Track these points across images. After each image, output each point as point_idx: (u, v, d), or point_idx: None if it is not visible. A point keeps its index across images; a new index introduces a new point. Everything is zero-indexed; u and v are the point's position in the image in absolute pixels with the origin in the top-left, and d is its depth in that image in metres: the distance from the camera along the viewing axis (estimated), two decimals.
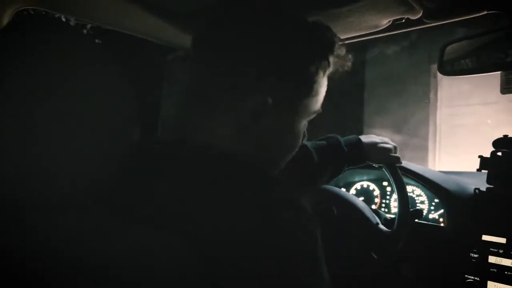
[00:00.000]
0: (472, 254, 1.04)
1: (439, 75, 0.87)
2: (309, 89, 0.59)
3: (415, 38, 4.14)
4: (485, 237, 1.04)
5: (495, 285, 1.00)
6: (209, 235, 0.46)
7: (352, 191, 1.43)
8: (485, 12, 0.79)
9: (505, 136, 1.06)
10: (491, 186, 1.08)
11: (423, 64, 4.35)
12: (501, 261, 1.00)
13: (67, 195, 0.45)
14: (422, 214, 1.07)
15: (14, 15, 0.74)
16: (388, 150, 1.05)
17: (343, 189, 1.37)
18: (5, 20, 0.74)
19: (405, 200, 1.02)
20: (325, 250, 0.50)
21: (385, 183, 1.37)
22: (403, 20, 0.91)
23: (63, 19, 0.85)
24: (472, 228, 1.07)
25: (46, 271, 0.42)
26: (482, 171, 1.08)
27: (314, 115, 0.64)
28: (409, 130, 4.42)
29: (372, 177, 1.40)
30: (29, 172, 0.43)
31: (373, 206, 1.36)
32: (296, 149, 0.65)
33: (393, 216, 1.11)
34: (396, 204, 1.05)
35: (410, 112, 4.45)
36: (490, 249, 1.02)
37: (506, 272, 0.98)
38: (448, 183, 1.19)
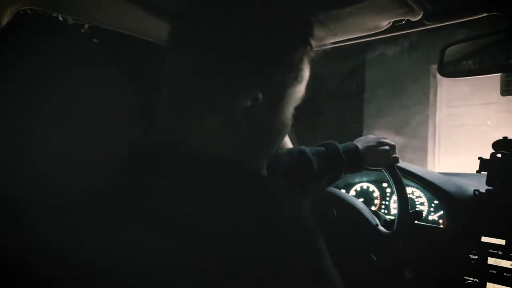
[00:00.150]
0: (471, 256, 1.04)
1: (438, 76, 0.87)
2: (296, 77, 0.59)
3: (415, 39, 4.14)
4: (485, 239, 1.04)
5: (494, 287, 1.00)
6: (210, 237, 0.46)
7: (352, 192, 1.43)
8: (485, 14, 0.79)
9: (505, 137, 1.06)
10: (491, 188, 1.08)
11: (423, 65, 4.35)
12: (500, 263, 1.00)
13: (65, 196, 0.45)
14: (422, 216, 1.07)
15: (13, 16, 0.74)
16: (385, 153, 1.05)
17: (343, 191, 1.37)
18: (4, 21, 0.74)
19: (404, 202, 1.02)
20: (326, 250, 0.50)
21: (385, 185, 1.37)
22: (403, 22, 0.91)
23: (61, 19, 0.85)
24: (471, 229, 1.07)
25: (45, 271, 0.42)
26: (482, 172, 1.08)
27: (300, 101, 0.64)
28: (409, 131, 4.42)
29: (372, 178, 1.40)
30: (26, 172, 0.42)
31: (373, 208, 1.36)
32: (285, 137, 0.65)
33: (392, 217, 1.11)
34: (395, 205, 1.05)
35: (410, 113, 4.45)
36: (489, 250, 1.02)
37: (505, 274, 0.98)
38: (447, 185, 1.19)
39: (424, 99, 4.45)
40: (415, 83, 4.47)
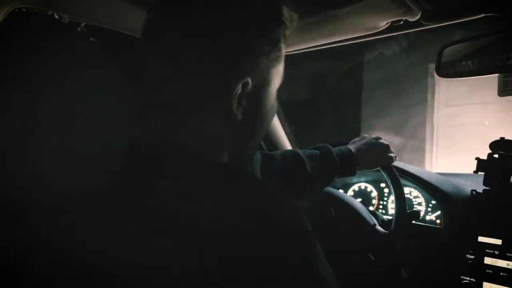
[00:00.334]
0: (468, 255, 1.05)
1: (436, 76, 0.87)
2: (278, 57, 0.59)
3: (413, 40, 4.15)
4: (481, 239, 1.04)
5: (490, 286, 1.00)
6: (208, 237, 0.46)
7: (350, 192, 1.43)
8: (483, 15, 0.79)
9: (502, 138, 1.06)
10: (488, 188, 1.08)
11: (421, 65, 4.36)
12: (497, 262, 1.00)
13: (65, 196, 0.45)
14: (419, 216, 1.07)
15: (8, 14, 0.74)
16: (379, 154, 1.05)
17: (341, 191, 1.37)
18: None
19: (402, 202, 1.02)
20: (323, 250, 0.50)
21: (382, 185, 1.37)
22: (402, 22, 0.91)
23: (57, 17, 0.84)
24: (468, 229, 1.07)
25: (44, 271, 0.42)
26: (479, 173, 1.08)
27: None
28: (407, 131, 4.43)
29: (369, 178, 1.40)
30: (25, 172, 0.42)
31: (371, 208, 1.36)
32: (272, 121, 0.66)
33: (390, 217, 1.11)
34: (393, 205, 1.05)
35: (408, 113, 4.46)
36: (486, 250, 1.02)
37: (501, 273, 0.99)
38: (445, 185, 1.19)
39: (422, 99, 4.46)
40: (414, 83, 4.48)
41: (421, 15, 0.85)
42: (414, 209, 1.24)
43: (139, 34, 0.57)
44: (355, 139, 1.10)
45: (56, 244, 0.43)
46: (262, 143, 1.53)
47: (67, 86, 0.43)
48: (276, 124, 1.51)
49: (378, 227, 1.03)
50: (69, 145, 0.43)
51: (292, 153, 1.01)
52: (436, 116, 4.43)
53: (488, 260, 1.01)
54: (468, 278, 1.04)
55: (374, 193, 1.38)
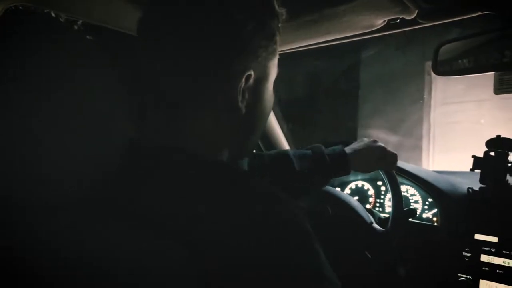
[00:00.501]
0: (464, 253, 1.05)
1: (433, 74, 0.87)
2: (274, 50, 0.60)
3: (410, 38, 4.15)
4: (478, 236, 1.04)
5: (487, 283, 1.00)
6: (208, 237, 0.46)
7: (347, 190, 1.43)
8: (479, 13, 0.79)
9: (498, 136, 1.07)
10: (484, 186, 1.09)
11: (417, 64, 4.37)
12: (493, 260, 1.00)
13: (64, 196, 0.45)
14: (416, 214, 1.08)
15: (4, 12, 0.73)
16: (373, 156, 1.02)
17: (338, 189, 1.37)
18: None
19: (399, 200, 1.03)
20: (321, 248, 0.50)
21: (379, 183, 1.37)
22: (398, 20, 0.91)
23: (53, 15, 0.84)
24: (465, 227, 1.07)
25: (41, 270, 0.42)
26: (475, 170, 1.09)
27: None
28: (404, 129, 4.44)
29: (366, 176, 1.41)
30: (20, 172, 0.42)
31: (368, 206, 1.37)
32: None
33: (387, 215, 1.11)
34: (390, 203, 1.06)
35: (405, 112, 4.47)
36: (483, 248, 1.03)
37: (497, 271, 0.99)
38: (441, 183, 1.20)
39: (419, 98, 4.47)
40: (410, 82, 4.49)
41: (417, 14, 0.85)
42: (411, 207, 1.24)
43: (132, 32, 0.57)
44: (354, 142, 1.09)
45: (54, 244, 0.43)
46: (259, 141, 1.53)
47: (64, 85, 0.43)
48: (273, 122, 1.51)
49: (375, 225, 1.04)
50: (67, 145, 0.43)
51: (281, 153, 1.00)
52: (433, 114, 4.44)
53: (484, 258, 1.02)
54: (465, 276, 1.04)
55: (371, 191, 1.38)
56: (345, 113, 5.09)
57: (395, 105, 4.53)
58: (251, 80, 0.56)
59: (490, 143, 1.07)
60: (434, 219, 1.21)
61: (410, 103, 4.47)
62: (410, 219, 1.14)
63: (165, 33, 0.54)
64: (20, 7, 0.77)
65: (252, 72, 0.56)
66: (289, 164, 0.96)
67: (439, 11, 0.82)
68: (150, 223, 0.46)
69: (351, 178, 1.43)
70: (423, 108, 4.44)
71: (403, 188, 1.26)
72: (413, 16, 0.86)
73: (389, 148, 1.05)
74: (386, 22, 0.93)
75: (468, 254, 1.05)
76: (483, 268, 1.01)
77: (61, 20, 0.83)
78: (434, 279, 1.10)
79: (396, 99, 4.55)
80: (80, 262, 0.42)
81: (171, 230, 0.45)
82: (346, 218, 1.05)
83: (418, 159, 4.29)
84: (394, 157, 1.05)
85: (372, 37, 1.02)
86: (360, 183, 1.41)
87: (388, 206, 1.34)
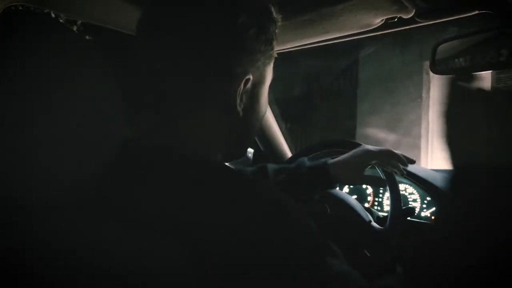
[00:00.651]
0: None
1: (431, 73, 0.88)
2: (271, 55, 0.61)
3: (408, 37, 4.16)
4: None
5: None
6: (208, 238, 0.46)
7: (345, 189, 1.43)
8: (477, 12, 0.80)
9: None
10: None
11: (415, 63, 4.37)
12: None
13: (61, 196, 0.45)
14: (414, 212, 1.08)
15: (3, 11, 0.73)
16: (361, 168, 0.97)
17: (337, 188, 1.37)
18: None
19: (397, 198, 1.03)
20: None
21: None
22: (396, 19, 0.91)
23: (53, 15, 0.84)
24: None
25: (40, 270, 0.42)
26: None
27: None
28: (402, 128, 4.44)
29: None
30: (19, 172, 0.42)
31: (366, 204, 1.37)
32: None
33: (385, 214, 1.12)
34: (388, 202, 1.06)
35: (403, 110, 4.48)
36: None
37: None
38: (439, 181, 1.20)
39: (417, 96, 4.47)
40: (408, 81, 4.49)
41: (415, 12, 0.85)
42: (409, 205, 1.24)
43: (131, 31, 0.57)
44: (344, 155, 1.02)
45: (53, 244, 0.43)
46: (258, 141, 1.53)
47: (63, 85, 0.43)
48: (272, 122, 1.51)
49: (374, 224, 1.04)
50: (67, 145, 0.43)
51: (260, 167, 1.01)
52: (431, 113, 4.45)
53: None
54: None
55: (370, 190, 1.39)
56: (344, 112, 5.10)
57: (393, 104, 4.53)
58: (249, 84, 0.57)
59: None
60: (433, 217, 1.22)
61: (409, 102, 4.48)
62: (408, 218, 1.14)
63: (165, 34, 0.54)
64: (20, 7, 0.77)
65: (250, 76, 0.57)
66: (263, 177, 0.96)
67: (437, 10, 0.83)
68: (150, 223, 0.46)
69: None
70: (422, 107, 4.44)
71: (401, 186, 1.27)
72: (410, 15, 0.86)
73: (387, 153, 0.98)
74: (384, 21, 0.93)
75: None
76: None
77: (60, 20, 0.83)
78: (433, 278, 1.10)
79: (394, 98, 4.55)
80: (79, 262, 0.42)
81: (171, 230, 0.45)
82: (345, 217, 1.06)
83: (416, 158, 4.29)
84: (396, 161, 0.99)
85: (370, 36, 1.02)
86: None
87: (387, 205, 1.34)
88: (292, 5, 0.87)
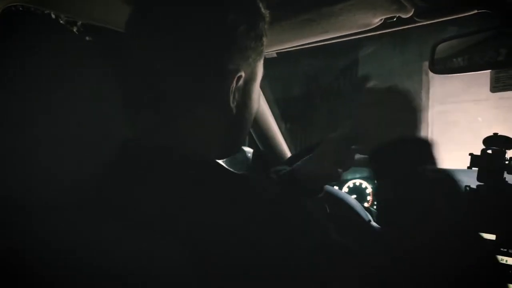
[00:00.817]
0: None
1: (431, 73, 0.88)
2: (262, 51, 0.61)
3: (408, 37, 4.16)
4: None
5: None
6: (210, 239, 0.46)
7: (345, 189, 1.44)
8: (475, 12, 0.80)
9: (495, 134, 1.07)
10: (481, 184, 1.09)
11: (415, 63, 4.37)
12: None
13: (57, 195, 0.45)
14: None
15: (3, 11, 0.73)
16: (322, 175, 0.83)
17: (336, 187, 1.37)
18: None
19: None
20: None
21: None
22: (395, 19, 0.91)
23: (53, 16, 0.84)
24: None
25: (40, 270, 0.42)
26: (473, 168, 1.09)
27: None
28: None
29: (364, 175, 1.41)
30: (19, 172, 0.42)
31: (366, 204, 1.37)
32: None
33: None
34: None
35: None
36: None
37: None
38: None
39: (416, 96, 4.46)
40: (408, 81, 4.49)
41: (414, 12, 0.85)
42: None
43: None
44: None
45: (54, 244, 0.43)
46: (257, 141, 1.53)
47: (63, 85, 0.43)
48: (271, 122, 1.51)
49: (373, 223, 1.04)
50: (66, 145, 0.43)
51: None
52: (430, 113, 4.45)
53: None
54: None
55: (369, 190, 1.39)
56: (343, 111, 5.09)
57: None
58: (241, 81, 0.58)
59: (488, 141, 1.08)
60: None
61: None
62: None
63: (159, 34, 0.54)
64: (20, 8, 0.77)
65: (242, 73, 0.57)
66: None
67: (436, 10, 0.83)
68: (150, 223, 0.46)
69: (349, 177, 1.44)
70: (421, 107, 4.44)
71: None
72: (409, 15, 0.86)
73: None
74: (383, 20, 0.93)
75: None
76: None
77: (61, 21, 0.83)
78: (433, 277, 1.10)
79: None
80: (79, 262, 0.42)
81: (171, 230, 0.45)
82: (344, 216, 1.06)
83: None
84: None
85: (369, 36, 1.02)
86: (358, 182, 1.42)
87: None
88: (291, 5, 0.87)
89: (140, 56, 0.56)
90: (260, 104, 1.43)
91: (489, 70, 0.86)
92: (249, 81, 0.60)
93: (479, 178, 1.08)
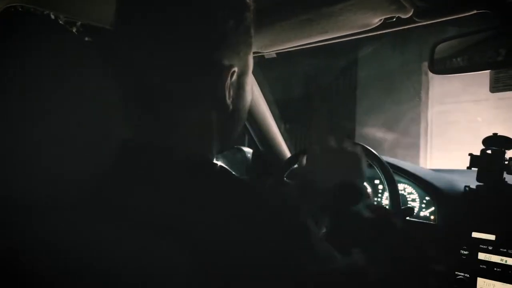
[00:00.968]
0: (462, 251, 1.05)
1: (430, 73, 0.88)
2: (251, 43, 0.61)
3: (407, 37, 4.16)
4: (475, 234, 1.05)
5: (484, 281, 1.01)
6: (209, 239, 0.46)
7: None
8: (475, 12, 0.80)
9: (495, 134, 1.07)
10: (481, 184, 1.09)
11: (414, 63, 4.38)
12: (490, 258, 1.01)
13: (56, 195, 0.45)
14: (413, 212, 1.08)
15: (2, 12, 0.73)
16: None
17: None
18: None
19: (396, 198, 1.03)
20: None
21: (376, 181, 1.37)
22: (394, 19, 0.91)
23: (52, 17, 0.84)
24: (462, 225, 1.08)
25: (40, 271, 0.42)
26: (472, 168, 1.09)
27: None
28: (401, 128, 4.45)
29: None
30: (17, 171, 0.42)
31: None
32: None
33: None
34: (387, 202, 1.06)
35: (402, 110, 4.48)
36: (480, 246, 1.03)
37: (495, 269, 0.99)
38: (439, 181, 1.20)
39: (415, 96, 4.48)
40: (408, 81, 4.50)
41: (413, 12, 0.85)
42: (408, 205, 1.24)
43: None
44: None
45: (49, 243, 0.43)
46: (257, 141, 1.53)
47: (62, 85, 0.43)
48: (271, 122, 1.51)
49: None
50: (62, 145, 0.43)
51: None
52: (430, 113, 4.46)
53: (482, 256, 1.02)
54: (462, 274, 1.04)
55: (369, 190, 1.39)
56: (343, 112, 5.10)
57: (392, 104, 4.54)
58: (235, 76, 0.58)
59: (487, 141, 1.08)
60: (432, 217, 1.22)
61: (408, 102, 4.48)
62: (407, 218, 1.14)
63: (150, 33, 0.54)
64: (20, 8, 0.77)
65: (236, 68, 0.57)
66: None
67: (435, 10, 0.83)
68: (150, 223, 0.46)
69: None
70: (421, 107, 4.45)
71: (400, 186, 1.27)
72: (409, 15, 0.86)
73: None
74: (382, 21, 0.93)
75: (466, 252, 1.05)
76: (481, 266, 1.02)
77: (60, 21, 0.83)
78: (432, 277, 1.11)
79: (393, 98, 4.56)
80: (80, 262, 0.42)
81: (171, 230, 0.45)
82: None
83: (415, 157, 4.30)
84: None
85: (369, 36, 1.02)
86: None
87: (386, 204, 1.34)
88: (291, 5, 0.87)
89: (133, 57, 0.55)
90: (260, 104, 1.43)
91: (489, 70, 0.86)
92: (242, 75, 0.60)
93: (478, 178, 1.08)
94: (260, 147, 1.53)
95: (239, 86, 0.60)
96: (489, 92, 1.07)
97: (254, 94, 1.37)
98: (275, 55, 1.19)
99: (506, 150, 1.06)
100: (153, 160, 0.53)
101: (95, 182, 0.47)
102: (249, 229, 0.47)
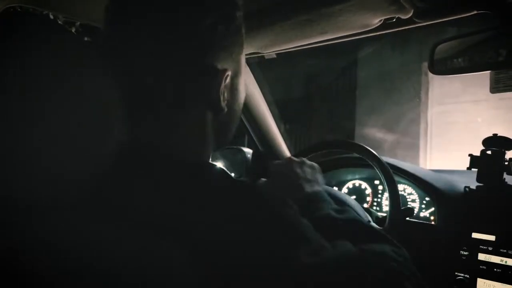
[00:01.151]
0: (462, 252, 1.05)
1: (430, 74, 0.88)
2: (242, 43, 0.61)
3: (407, 37, 4.17)
4: (475, 235, 1.05)
5: (484, 282, 1.01)
6: (209, 239, 0.46)
7: (344, 190, 1.44)
8: (475, 12, 0.80)
9: (495, 135, 1.07)
10: (481, 184, 1.09)
11: (414, 63, 4.39)
12: (490, 258, 1.01)
13: (54, 196, 0.45)
14: (413, 213, 1.08)
15: (1, 13, 0.73)
16: None
17: (335, 188, 1.37)
18: None
19: (396, 199, 1.03)
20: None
21: (376, 182, 1.38)
22: (394, 20, 0.91)
23: (51, 17, 0.84)
24: (462, 226, 1.08)
25: (39, 271, 0.42)
26: (472, 169, 1.09)
27: None
28: (401, 128, 4.45)
29: (364, 176, 1.41)
30: (17, 171, 0.42)
31: (365, 205, 1.37)
32: None
33: (384, 214, 1.12)
34: (387, 202, 1.06)
35: (402, 111, 4.49)
36: (480, 246, 1.03)
37: (495, 269, 1.00)
38: (438, 182, 1.20)
39: (416, 97, 4.48)
40: (407, 81, 4.50)
41: (413, 13, 0.85)
42: (408, 206, 1.24)
43: None
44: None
45: (49, 244, 0.43)
46: (257, 141, 1.53)
47: (62, 85, 0.43)
48: (271, 122, 1.51)
49: (373, 224, 1.04)
50: (62, 145, 0.43)
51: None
52: (430, 113, 4.46)
53: (482, 256, 1.02)
54: (462, 275, 1.04)
55: (369, 191, 1.39)
56: (343, 112, 5.10)
57: (392, 105, 4.54)
58: (228, 79, 0.58)
59: (487, 142, 1.08)
60: (431, 218, 1.22)
61: (408, 102, 4.49)
62: (407, 218, 1.14)
63: (142, 37, 0.54)
64: (19, 9, 0.77)
65: (229, 72, 0.57)
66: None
67: (435, 10, 0.83)
68: (150, 223, 0.46)
69: (349, 177, 1.44)
70: (420, 108, 4.45)
71: (400, 187, 1.27)
72: (409, 15, 0.86)
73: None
74: (382, 21, 0.93)
75: (466, 253, 1.05)
76: (481, 266, 1.02)
77: (59, 21, 0.83)
78: (432, 278, 1.11)
79: (393, 99, 4.56)
80: (79, 262, 0.42)
81: (171, 231, 0.46)
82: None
83: (415, 158, 4.30)
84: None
85: (369, 36, 1.02)
86: (357, 183, 1.42)
87: (386, 205, 1.34)
88: (290, 5, 0.87)
89: (130, 57, 0.55)
90: (260, 104, 1.43)
91: (489, 71, 0.86)
92: (235, 76, 0.60)
93: (478, 179, 1.08)
94: (260, 148, 1.53)
95: (233, 88, 0.60)
96: (489, 93, 1.07)
97: (254, 94, 1.37)
98: (275, 56, 1.19)
99: (506, 151, 1.06)
100: (153, 160, 0.53)
101: (95, 182, 0.47)
102: (249, 229, 0.47)
